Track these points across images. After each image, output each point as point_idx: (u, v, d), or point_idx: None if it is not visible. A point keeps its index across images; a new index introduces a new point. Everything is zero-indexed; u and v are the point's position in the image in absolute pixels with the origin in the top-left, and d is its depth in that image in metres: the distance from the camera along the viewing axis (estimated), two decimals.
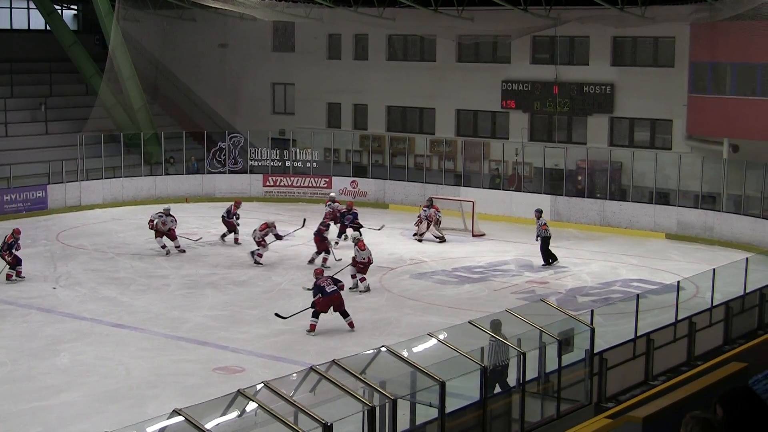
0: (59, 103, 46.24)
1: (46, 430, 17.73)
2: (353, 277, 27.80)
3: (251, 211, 40.52)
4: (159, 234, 32.33)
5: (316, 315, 23.51)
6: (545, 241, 31.42)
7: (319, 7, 42.67)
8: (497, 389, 16.22)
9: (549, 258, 31.30)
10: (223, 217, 34.66)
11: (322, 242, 30.71)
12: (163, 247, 32.11)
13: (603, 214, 37.63)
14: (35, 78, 47.06)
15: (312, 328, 23.40)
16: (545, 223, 31.60)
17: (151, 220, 32.56)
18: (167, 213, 32.70)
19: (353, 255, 28.13)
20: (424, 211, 35.32)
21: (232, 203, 35.11)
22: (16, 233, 28.87)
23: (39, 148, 42.13)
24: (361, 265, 27.80)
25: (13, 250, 28.43)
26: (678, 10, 36.19)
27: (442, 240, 34.60)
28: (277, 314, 24.27)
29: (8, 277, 28.26)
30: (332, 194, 36.88)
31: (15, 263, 28.51)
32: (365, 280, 27.92)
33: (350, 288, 27.71)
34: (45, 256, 31.87)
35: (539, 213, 32.05)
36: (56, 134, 43.81)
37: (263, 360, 21.70)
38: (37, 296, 26.90)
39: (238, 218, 34.37)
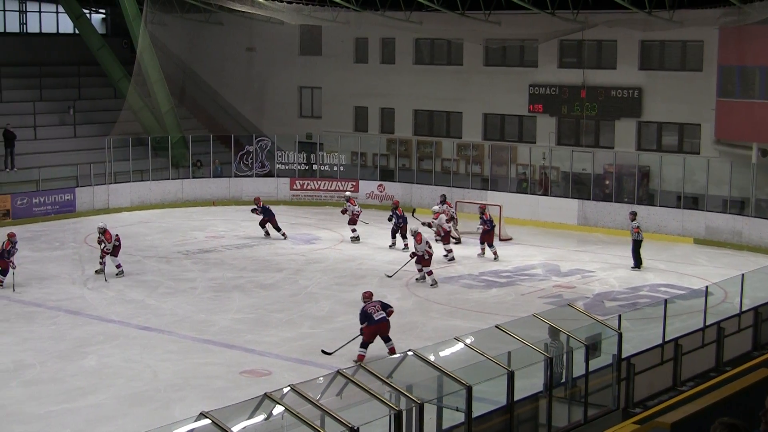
0: (87, 107, 46.47)
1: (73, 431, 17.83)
2: (420, 270, 28.92)
3: (278, 214, 40.55)
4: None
5: (364, 345, 21.78)
6: (637, 244, 31.36)
7: (346, 11, 42.72)
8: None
9: (638, 261, 31.25)
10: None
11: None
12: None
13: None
14: (64, 82, 47.35)
15: (360, 359, 20.99)
16: (638, 226, 31.56)
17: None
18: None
19: (413, 250, 29.16)
20: (439, 206, 35.05)
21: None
22: (11, 236, 28.57)
23: (67, 152, 42.36)
24: (426, 257, 28.68)
25: (8, 257, 28.08)
26: (706, 13, 36.01)
27: (457, 242, 34.35)
28: (323, 351, 22.48)
29: None
30: (347, 193, 36.68)
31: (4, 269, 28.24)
32: (432, 273, 28.72)
33: (416, 279, 28.99)
34: (73, 258, 32.01)
35: (633, 215, 32.07)
36: (84, 137, 44.02)
37: (290, 363, 21.70)
38: (65, 298, 27.02)
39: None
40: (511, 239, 35.72)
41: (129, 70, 44.92)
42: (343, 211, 35.62)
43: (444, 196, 36.40)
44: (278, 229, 35.50)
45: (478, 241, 33.15)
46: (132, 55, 45.48)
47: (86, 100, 47.00)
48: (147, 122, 44.51)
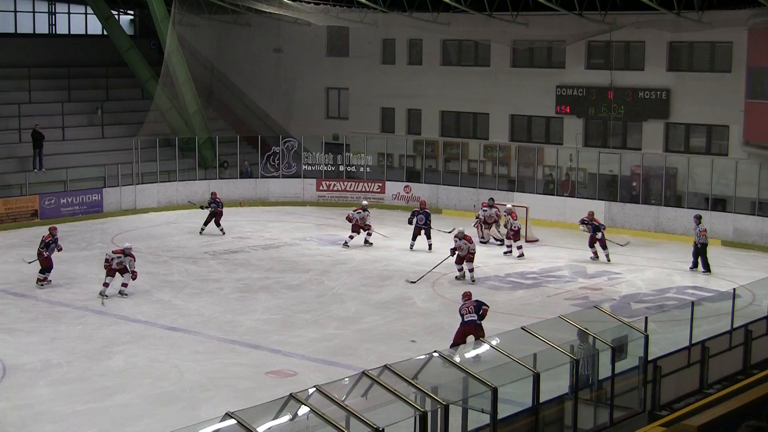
0: (115, 108, 46.66)
1: (99, 431, 17.87)
2: (460, 270, 29.64)
3: (305, 215, 40.72)
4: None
5: (454, 346, 20.54)
6: (703, 248, 31.24)
7: (373, 12, 42.74)
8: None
9: (706, 264, 31.17)
10: None
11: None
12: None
13: (658, 220, 37.35)
14: (92, 83, 47.58)
15: None
16: (705, 229, 31.50)
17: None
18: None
19: (454, 247, 29.56)
20: (484, 211, 35.17)
21: None
22: (52, 230, 28.95)
23: (95, 152, 42.56)
24: (470, 255, 29.39)
25: (50, 252, 28.43)
26: (736, 14, 35.84)
27: (502, 243, 34.41)
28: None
29: (38, 282, 28.41)
30: (365, 202, 36.52)
31: (47, 267, 28.59)
32: (473, 270, 29.42)
33: (456, 276, 29.65)
34: (100, 258, 32.02)
35: (699, 219, 31.99)
36: (112, 138, 44.22)
37: (315, 364, 21.72)
38: (92, 298, 27.10)
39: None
40: (537, 241, 35.65)
41: (157, 71, 45.09)
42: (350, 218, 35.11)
43: (492, 199, 36.34)
44: (219, 224, 36.35)
45: (512, 243, 33.56)
46: (160, 56, 45.65)
47: (114, 101, 47.20)
48: (174, 123, 44.65)
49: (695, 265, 31.47)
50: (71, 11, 51.98)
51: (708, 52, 39.05)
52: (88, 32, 51.94)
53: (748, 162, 36.63)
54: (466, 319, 21.60)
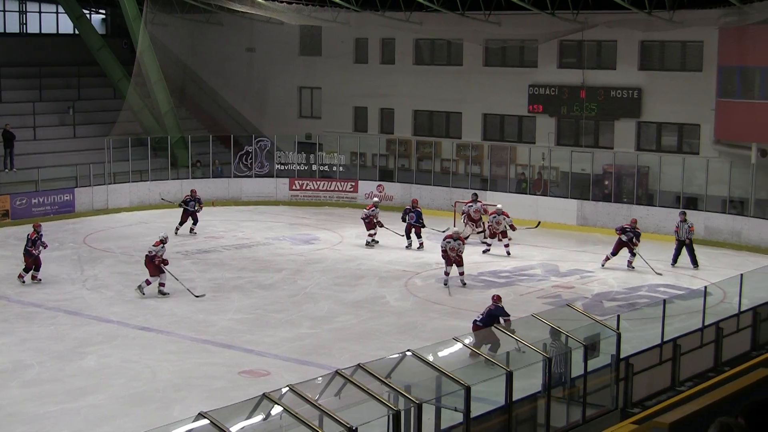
0: (87, 107, 46.48)
1: None
2: (447, 273, 28.88)
3: (278, 215, 40.67)
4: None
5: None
6: (691, 243, 31.70)
7: (346, 11, 42.74)
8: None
9: (694, 260, 31.55)
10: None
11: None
12: None
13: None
14: (63, 82, 47.37)
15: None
16: (693, 224, 31.98)
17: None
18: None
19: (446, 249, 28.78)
20: (470, 206, 35.13)
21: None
22: (37, 227, 28.86)
23: (67, 152, 42.38)
24: (458, 258, 28.77)
25: (36, 249, 28.35)
26: (706, 14, 36.02)
27: (489, 246, 34.35)
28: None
29: (20, 277, 28.31)
30: (375, 199, 36.49)
31: (34, 266, 28.49)
32: (463, 273, 28.95)
33: (445, 283, 28.87)
34: (72, 259, 32.01)
35: (684, 215, 32.29)
36: (84, 138, 44.03)
37: (288, 363, 21.71)
38: (64, 299, 27.01)
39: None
40: (510, 239, 35.69)
41: (129, 70, 44.94)
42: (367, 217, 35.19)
43: (476, 194, 36.27)
44: (196, 222, 36.35)
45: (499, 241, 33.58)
46: (132, 55, 45.49)
47: (86, 100, 47.02)
48: (147, 122, 44.52)
49: (675, 261, 31.87)
50: (42, 10, 51.75)
51: (679, 52, 39.27)
52: (60, 31, 51.72)
53: (718, 160, 36.83)
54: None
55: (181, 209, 36.34)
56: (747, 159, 35.95)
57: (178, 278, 27.78)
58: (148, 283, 27.31)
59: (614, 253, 31.58)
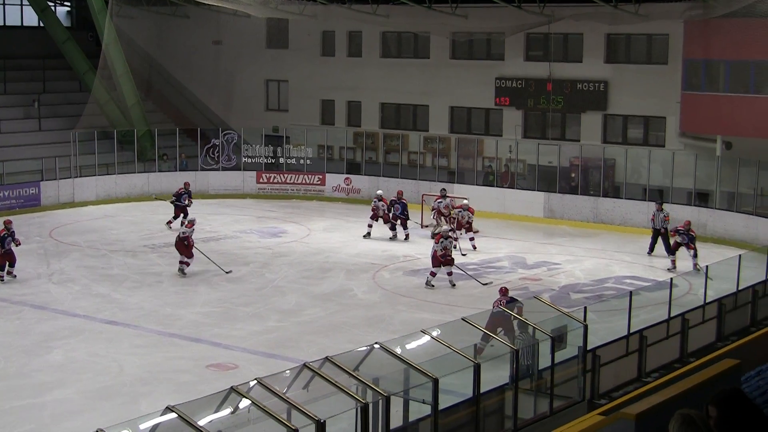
0: (52, 100, 46.18)
1: (38, 427, 17.71)
2: (433, 274, 28.12)
3: (245, 208, 40.58)
4: None
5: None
6: (666, 232, 31.96)
7: (312, 4, 42.66)
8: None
9: (669, 248, 31.72)
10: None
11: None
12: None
13: (596, 211, 37.68)
14: (28, 75, 47.07)
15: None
16: (668, 214, 32.28)
17: None
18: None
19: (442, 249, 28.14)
20: (439, 202, 35.20)
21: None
22: (7, 224, 28.67)
23: (32, 145, 42.11)
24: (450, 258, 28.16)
25: (7, 245, 28.18)
26: (672, 7, 36.22)
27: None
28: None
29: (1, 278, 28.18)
30: (379, 192, 36.44)
31: (7, 262, 28.29)
32: (452, 273, 28.16)
33: (432, 284, 28.05)
34: (38, 252, 31.83)
35: (661, 205, 32.62)
36: (49, 131, 43.77)
37: (256, 357, 21.68)
38: (30, 293, 26.86)
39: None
40: (477, 232, 35.76)
41: (94, 63, 44.67)
42: (374, 210, 35.02)
43: (444, 190, 36.32)
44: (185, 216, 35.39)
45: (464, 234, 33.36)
46: (97, 48, 45.21)
47: (51, 93, 46.71)
48: (113, 115, 44.29)
49: (652, 250, 32.34)
50: (6, 2, 51.29)
51: (645, 45, 39.47)
52: (24, 24, 51.31)
53: (684, 153, 37.06)
54: (494, 311, 21.24)
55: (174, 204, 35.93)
56: (712, 151, 36.17)
57: (208, 255, 29.79)
58: (187, 264, 28.94)
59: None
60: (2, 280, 27.91)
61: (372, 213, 34.82)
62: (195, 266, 30.09)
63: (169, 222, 35.68)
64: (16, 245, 28.54)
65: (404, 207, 34.45)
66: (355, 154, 45.11)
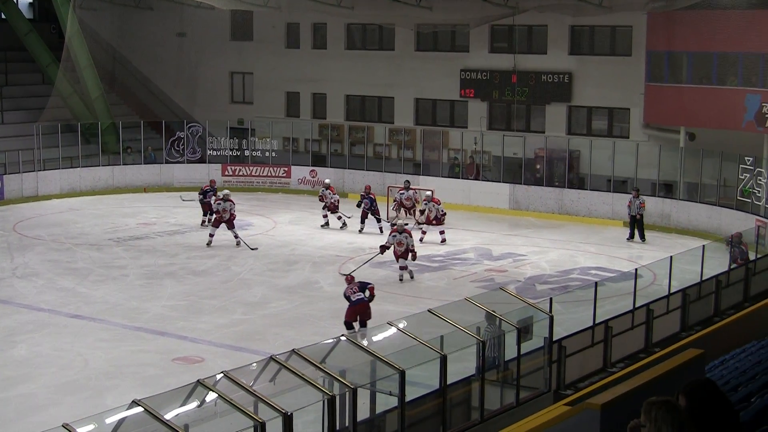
0: (15, 93, 45.84)
1: (3, 422, 17.60)
2: (403, 267, 27.97)
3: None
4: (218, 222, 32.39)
5: (348, 326, 21.70)
6: (641, 219, 33.26)
7: None
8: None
9: (642, 235, 33.22)
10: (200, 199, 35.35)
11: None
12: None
13: (561, 202, 37.83)
14: None
15: None
16: (644, 201, 33.36)
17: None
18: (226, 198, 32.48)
19: (386, 244, 28.12)
20: (401, 194, 35.24)
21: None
22: None
23: None
24: (406, 252, 27.94)
25: None
26: None
27: (424, 231, 34.24)
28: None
29: None
30: (327, 180, 36.40)
31: None
32: (406, 267, 28.05)
33: (400, 278, 27.96)
34: (1, 246, 31.61)
35: (637, 191, 33.62)
36: (12, 124, 43.44)
37: (222, 350, 21.65)
38: None
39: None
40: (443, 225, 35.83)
41: (57, 55, 44.38)
42: (321, 198, 35.16)
43: (408, 182, 36.36)
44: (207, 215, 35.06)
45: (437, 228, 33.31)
46: (60, 40, 44.92)
47: (14, 86, 46.34)
48: (76, 108, 44.04)
49: (632, 236, 33.17)
50: None
51: (609, 36, 39.63)
52: None
53: (648, 144, 37.26)
54: (354, 299, 21.91)
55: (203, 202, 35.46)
56: (676, 142, 36.40)
57: (237, 233, 31.73)
58: (236, 236, 31.59)
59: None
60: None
61: (323, 203, 34.83)
62: (160, 259, 30.04)
63: (203, 222, 34.99)
64: None
65: (372, 202, 34.38)
66: (321, 146, 45.06)
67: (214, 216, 32.46)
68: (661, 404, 6.37)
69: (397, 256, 28.00)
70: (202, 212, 35.33)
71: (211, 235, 31.93)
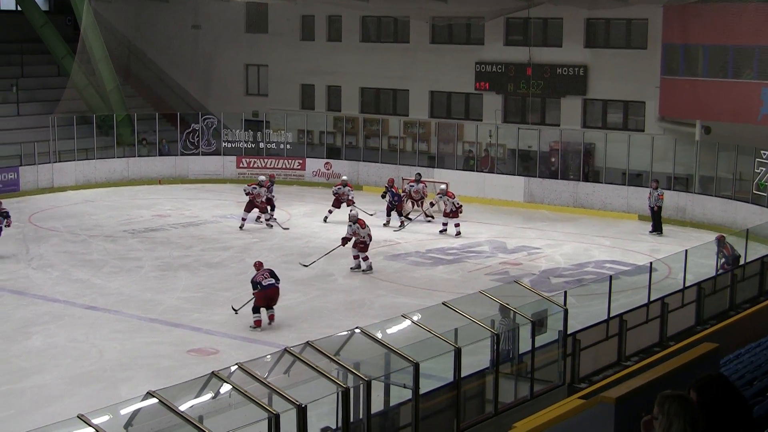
0: (31, 85, 45.96)
1: (18, 412, 17.66)
2: (356, 257, 27.95)
3: (225, 193, 40.50)
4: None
5: (256, 310, 22.64)
6: (659, 210, 33.30)
7: None
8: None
9: (659, 227, 33.32)
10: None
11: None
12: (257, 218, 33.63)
13: (576, 195, 37.76)
14: (6, 59, 46.75)
15: (257, 324, 22.48)
16: (663, 193, 33.49)
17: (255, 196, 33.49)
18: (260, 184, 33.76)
19: (347, 235, 28.02)
20: (411, 186, 35.22)
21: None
22: None
23: (11, 130, 41.88)
24: (362, 245, 27.83)
25: None
26: None
27: (431, 219, 34.47)
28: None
29: None
30: (344, 177, 36.29)
31: None
32: (368, 258, 27.98)
33: (351, 268, 27.92)
34: (17, 238, 31.65)
35: (657, 183, 33.81)
36: (28, 116, 43.54)
37: (237, 342, 21.68)
38: (9, 278, 26.75)
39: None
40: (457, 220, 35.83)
41: (73, 47, 44.45)
42: (335, 194, 34.94)
43: (419, 174, 36.32)
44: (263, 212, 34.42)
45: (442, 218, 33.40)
46: (76, 32, 45.00)
47: (29, 78, 46.45)
48: (92, 100, 44.11)
49: (654, 229, 33.42)
50: None
51: (624, 29, 39.52)
52: (1, 8, 50.97)
53: (663, 137, 37.17)
54: (265, 284, 22.54)
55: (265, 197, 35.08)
56: (691, 136, 36.29)
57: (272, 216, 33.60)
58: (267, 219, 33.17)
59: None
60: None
61: (335, 199, 34.77)
62: (175, 251, 30.08)
63: (267, 219, 34.58)
64: (7, 226, 28.52)
65: (394, 195, 34.30)
66: (335, 138, 45.07)
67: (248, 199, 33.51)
68: (675, 398, 6.36)
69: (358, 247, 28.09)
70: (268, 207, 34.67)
71: (244, 219, 33.18)
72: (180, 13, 48.94)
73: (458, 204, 33.20)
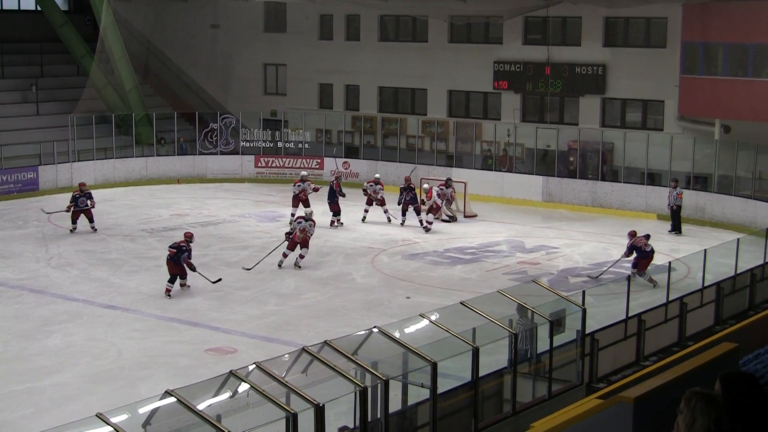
0: (50, 84, 46.11)
1: (37, 411, 17.73)
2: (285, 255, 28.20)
3: (243, 192, 40.56)
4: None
5: (172, 280, 25.37)
6: (678, 210, 33.31)
7: None
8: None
9: (678, 226, 33.35)
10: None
11: None
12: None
13: (594, 194, 37.67)
14: (26, 59, 46.93)
15: (167, 291, 25.08)
16: (682, 192, 33.52)
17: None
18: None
19: (290, 231, 28.54)
20: (441, 189, 35.18)
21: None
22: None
23: (30, 129, 42.05)
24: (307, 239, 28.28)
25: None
26: None
27: (452, 219, 34.60)
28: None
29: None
30: (377, 175, 36.19)
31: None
32: (303, 257, 28.25)
33: (279, 264, 28.20)
34: (36, 237, 31.81)
35: (676, 182, 33.93)
36: (47, 115, 43.71)
37: (255, 341, 21.71)
38: (28, 277, 26.85)
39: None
40: (476, 216, 35.82)
41: (92, 47, 44.59)
42: (366, 192, 34.84)
43: (450, 179, 36.22)
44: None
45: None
46: (95, 31, 45.14)
47: (49, 77, 46.62)
48: (111, 100, 44.24)
49: (673, 228, 33.43)
50: None
51: (643, 28, 39.41)
52: (21, 8, 51.17)
53: (682, 136, 37.05)
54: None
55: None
56: (710, 135, 36.17)
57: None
58: (293, 215, 32.59)
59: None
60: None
61: (367, 198, 34.72)
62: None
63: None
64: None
65: (412, 191, 34.29)
66: (354, 138, 45.09)
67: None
68: (702, 396, 6.34)
69: (295, 243, 28.06)
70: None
71: (293, 215, 32.87)
72: (199, 13, 49.04)
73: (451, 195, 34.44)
